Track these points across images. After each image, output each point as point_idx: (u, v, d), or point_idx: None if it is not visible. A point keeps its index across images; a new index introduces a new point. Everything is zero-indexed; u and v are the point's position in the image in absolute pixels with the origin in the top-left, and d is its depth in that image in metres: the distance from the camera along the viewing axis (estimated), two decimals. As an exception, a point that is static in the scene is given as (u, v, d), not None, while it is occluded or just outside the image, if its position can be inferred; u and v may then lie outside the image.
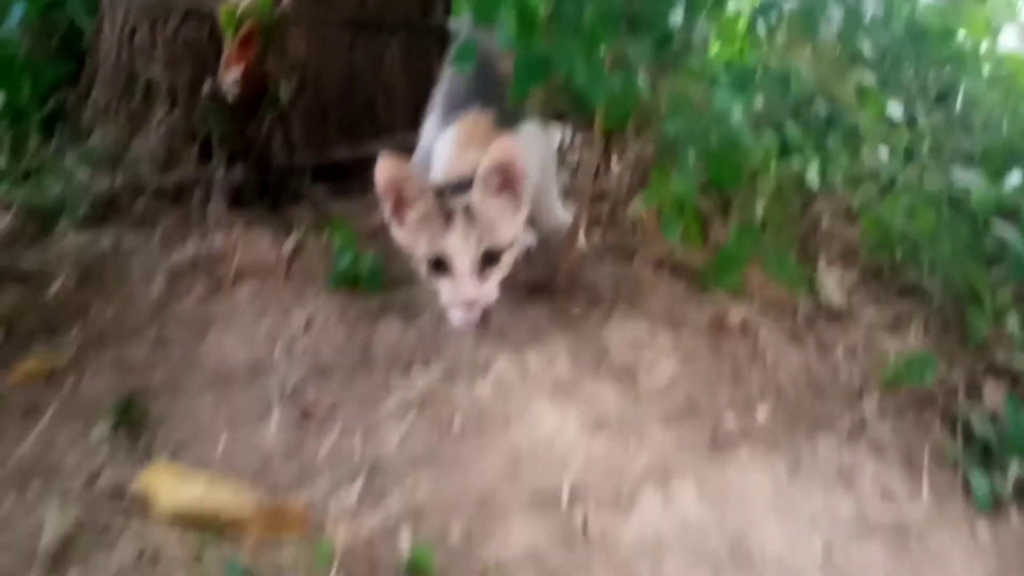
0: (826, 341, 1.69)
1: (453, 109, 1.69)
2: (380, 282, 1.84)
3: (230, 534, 1.22)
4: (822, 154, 1.83)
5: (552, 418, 1.45)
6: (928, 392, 1.54)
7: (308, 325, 1.76)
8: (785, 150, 1.81)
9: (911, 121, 2.05)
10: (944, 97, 2.18)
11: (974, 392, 1.55)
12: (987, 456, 1.41)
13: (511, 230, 1.47)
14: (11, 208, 1.89)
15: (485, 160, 1.44)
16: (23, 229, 1.88)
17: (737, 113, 1.52)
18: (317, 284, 1.88)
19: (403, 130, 2.27)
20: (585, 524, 1.24)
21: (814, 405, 1.52)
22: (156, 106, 2.19)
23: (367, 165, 2.19)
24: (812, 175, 1.80)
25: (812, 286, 1.82)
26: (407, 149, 2.27)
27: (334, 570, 1.16)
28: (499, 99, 1.59)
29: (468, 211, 1.44)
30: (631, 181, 2.10)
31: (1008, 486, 1.36)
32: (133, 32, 2.19)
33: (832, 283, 1.80)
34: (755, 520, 1.27)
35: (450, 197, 1.46)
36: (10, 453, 1.38)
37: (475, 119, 1.62)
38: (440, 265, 1.45)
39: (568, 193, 1.97)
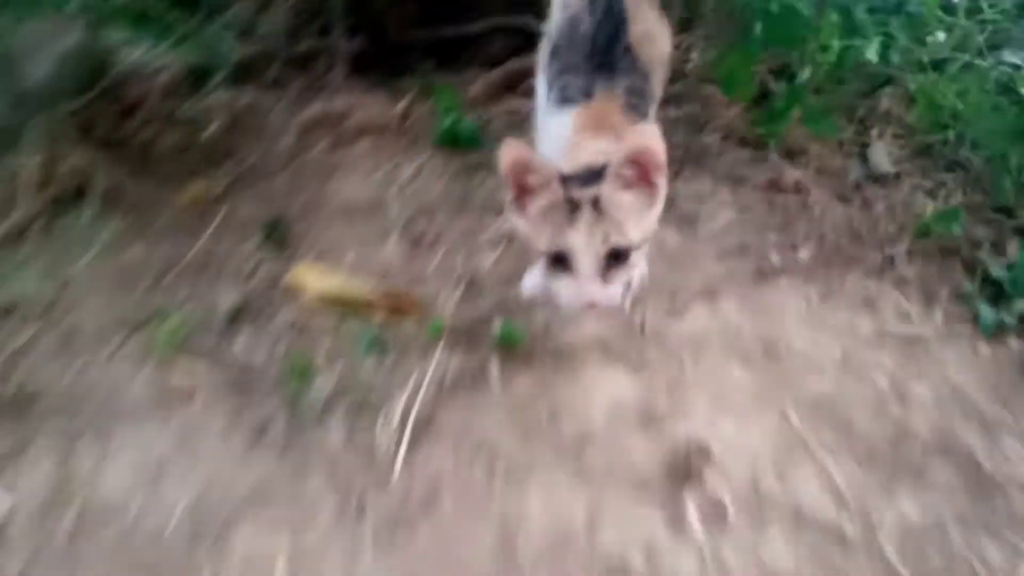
0: (870, 200, 1.90)
1: (570, 80, 1.49)
2: (477, 141, 2.12)
3: (362, 313, 1.54)
4: (884, 37, 2.02)
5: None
6: (955, 243, 1.75)
7: (416, 174, 2.06)
8: (850, 31, 2.00)
9: (976, 9, 2.19)
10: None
11: (998, 248, 1.75)
12: (998, 295, 1.63)
13: (643, 227, 1.31)
14: (170, 68, 2.22)
15: (621, 150, 1.28)
16: (180, 85, 2.21)
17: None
18: (424, 141, 2.17)
19: (499, 13, 2.53)
20: (643, 323, 1.52)
21: (851, 248, 1.75)
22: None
23: (468, 43, 2.48)
24: (871, 54, 1.99)
25: (864, 155, 2.03)
26: (503, 30, 2.54)
27: (442, 341, 1.47)
28: (627, 69, 1.47)
29: (596, 204, 1.28)
30: (706, 60, 2.31)
31: (1012, 319, 1.58)
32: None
33: (881, 152, 2.00)
34: (786, 328, 1.53)
35: (577, 188, 1.29)
36: (185, 254, 1.72)
37: (602, 104, 1.43)
38: (561, 261, 1.29)
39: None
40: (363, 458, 1.22)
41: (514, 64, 2.56)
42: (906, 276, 1.68)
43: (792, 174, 1.98)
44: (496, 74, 2.51)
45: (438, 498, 1.18)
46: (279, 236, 1.80)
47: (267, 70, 2.35)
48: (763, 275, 1.68)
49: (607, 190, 1.27)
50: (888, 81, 2.22)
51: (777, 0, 1.67)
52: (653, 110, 1.55)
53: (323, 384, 1.35)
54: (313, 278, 1.62)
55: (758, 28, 1.77)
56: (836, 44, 1.99)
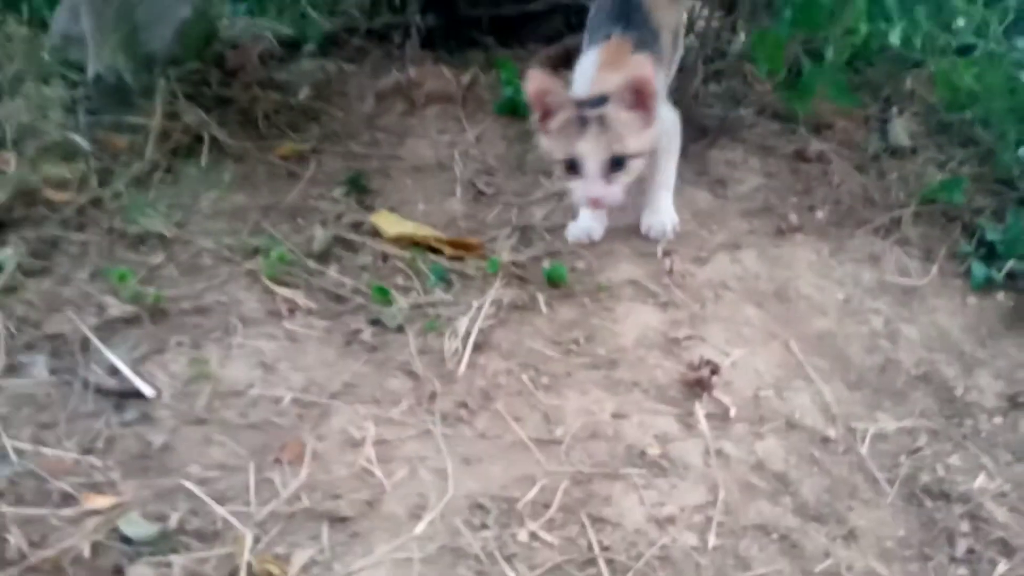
0: (885, 171, 2.11)
1: (597, 30, 1.87)
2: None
3: (433, 251, 1.82)
4: (908, 21, 2.21)
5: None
6: (957, 210, 1.95)
7: (479, 139, 2.32)
8: (876, 15, 2.20)
9: (999, -2, 2.37)
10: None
11: (997, 215, 1.95)
12: (991, 255, 1.83)
13: (639, 142, 1.65)
14: (266, 38, 2.51)
15: (622, 78, 1.63)
16: (272, 53, 2.50)
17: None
18: (486, 110, 2.43)
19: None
20: (671, 268, 1.76)
21: (862, 211, 1.97)
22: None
23: (529, 20, 2.72)
24: (895, 38, 2.20)
25: (884, 130, 2.24)
26: (560, 9, 2.78)
27: (499, 277, 1.73)
28: (639, 25, 1.80)
29: (602, 120, 1.62)
30: (746, 41, 2.52)
31: (1000, 276, 1.79)
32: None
33: (899, 128, 2.21)
34: (797, 276, 1.77)
35: (588, 108, 1.64)
36: (282, 200, 2.01)
37: (617, 43, 1.78)
38: (573, 167, 1.65)
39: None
40: (434, 361, 1.50)
41: (570, 40, 2.81)
42: (909, 236, 1.90)
43: (817, 146, 2.20)
44: (553, 49, 2.76)
45: (493, 395, 1.45)
46: (360, 188, 2.08)
47: (349, 42, 2.63)
48: (781, 232, 1.92)
49: (611, 109, 1.62)
50: (916, 64, 2.42)
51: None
52: (663, 69, 1.87)
53: (401, 305, 1.63)
54: (391, 222, 1.90)
55: (787, 13, 1.99)
56: (863, 28, 2.20)
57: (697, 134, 2.24)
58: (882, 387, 1.55)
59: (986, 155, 2.11)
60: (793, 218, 1.96)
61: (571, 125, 1.64)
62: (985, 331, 1.69)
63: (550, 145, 1.70)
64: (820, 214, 1.98)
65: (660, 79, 1.77)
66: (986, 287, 1.78)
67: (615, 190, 1.66)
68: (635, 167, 1.68)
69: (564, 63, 2.76)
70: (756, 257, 1.82)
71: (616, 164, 1.64)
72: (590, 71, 1.77)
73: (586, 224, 1.85)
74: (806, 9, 1.92)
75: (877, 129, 2.27)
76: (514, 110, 2.39)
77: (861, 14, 2.17)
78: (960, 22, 2.24)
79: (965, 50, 2.27)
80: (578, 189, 1.68)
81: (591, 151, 1.63)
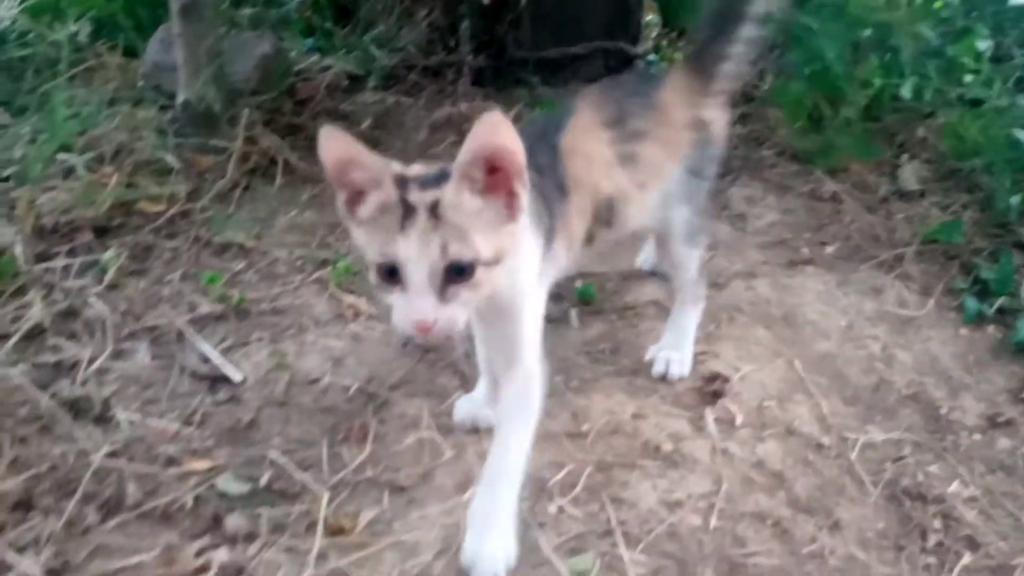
0: (893, 212, 2.31)
1: None
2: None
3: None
4: (919, 77, 2.42)
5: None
6: (957, 250, 2.14)
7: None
8: (889, 70, 2.42)
9: (1007, 56, 2.57)
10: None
11: (994, 256, 2.13)
12: (984, 292, 2.02)
13: (496, 241, 1.14)
14: (330, 70, 2.78)
15: (467, 142, 1.10)
16: (338, 86, 2.77)
17: (831, 50, 2.17)
18: (529, 143, 2.67)
19: (598, 38, 3.02)
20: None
21: (869, 248, 2.17)
22: (422, 4, 3.02)
23: (571, 61, 2.97)
24: (906, 91, 2.41)
25: (894, 174, 2.44)
26: (601, 52, 3.03)
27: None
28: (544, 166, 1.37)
29: (435, 209, 1.10)
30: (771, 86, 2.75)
31: (992, 311, 1.98)
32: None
33: (909, 172, 2.41)
34: (804, 303, 1.97)
35: (416, 190, 1.12)
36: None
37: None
38: (393, 274, 1.12)
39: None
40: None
41: (608, 82, 3.05)
42: (910, 272, 2.09)
43: (831, 187, 2.41)
44: (592, 89, 2.99)
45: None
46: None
47: (407, 77, 2.90)
48: (793, 264, 2.12)
49: (449, 194, 1.11)
50: (928, 114, 2.62)
51: (818, 60, 2.11)
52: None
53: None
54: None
55: (806, 71, 2.21)
56: (877, 82, 2.42)
57: (722, 172, 2.47)
58: (875, 404, 1.74)
59: (987, 201, 2.30)
60: (805, 251, 2.17)
61: (389, 212, 1.11)
62: (973, 359, 1.87)
63: (361, 239, 1.17)
64: (830, 249, 2.18)
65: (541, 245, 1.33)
66: (978, 320, 1.96)
67: (454, 313, 1.12)
68: (487, 281, 1.15)
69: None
70: (768, 285, 2.03)
71: (458, 274, 1.11)
72: None
73: (470, 408, 1.55)
74: (822, 73, 2.14)
75: (888, 173, 2.47)
76: (554, 144, 2.62)
77: (875, 70, 2.39)
78: (968, 78, 2.44)
79: (975, 103, 2.47)
80: (398, 307, 1.13)
81: (416, 254, 1.10)
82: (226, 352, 1.71)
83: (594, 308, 1.93)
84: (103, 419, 1.54)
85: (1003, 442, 1.68)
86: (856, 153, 2.30)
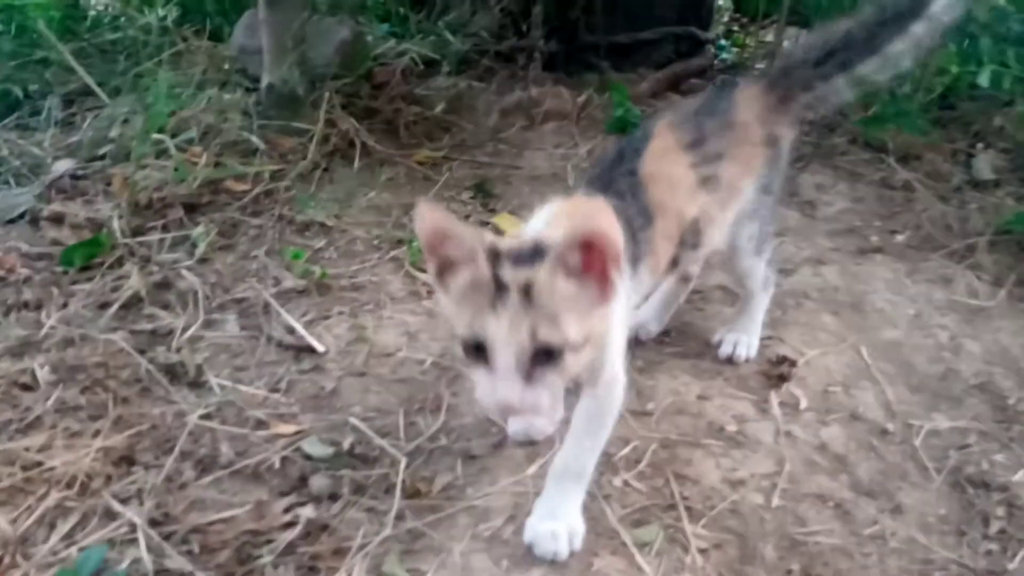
0: (966, 201, 2.29)
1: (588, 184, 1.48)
2: (643, 129, 2.64)
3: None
4: (998, 65, 2.38)
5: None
6: (1032, 240, 2.13)
7: (590, 153, 2.61)
8: (968, 57, 2.39)
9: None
10: None
11: (1071, 249, 2.11)
12: (1059, 283, 2.01)
13: (586, 326, 1.13)
14: (406, 55, 2.85)
15: (568, 227, 1.11)
16: (413, 70, 2.84)
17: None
18: (597, 127, 2.72)
19: (668, 23, 3.04)
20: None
21: (941, 237, 2.16)
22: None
23: (641, 46, 2.99)
24: (983, 80, 2.37)
25: (969, 163, 2.42)
26: (670, 37, 3.04)
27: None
28: (626, 194, 1.40)
29: (527, 290, 1.09)
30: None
31: (1067, 304, 1.96)
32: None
33: (984, 162, 2.38)
34: (873, 291, 1.98)
35: (509, 267, 1.10)
36: (418, 198, 2.32)
37: (586, 200, 1.27)
38: (480, 351, 1.11)
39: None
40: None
41: (678, 66, 3.09)
42: (982, 262, 2.08)
43: (903, 175, 2.40)
44: (662, 74, 3.03)
45: (597, 372, 1.72)
46: (485, 193, 2.39)
47: (479, 62, 2.96)
48: (863, 252, 2.13)
49: (543, 275, 1.09)
50: (1007, 103, 2.58)
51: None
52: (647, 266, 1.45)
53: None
54: (510, 224, 2.20)
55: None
56: (953, 69, 2.39)
57: (792, 159, 2.47)
58: (941, 392, 1.75)
59: (1065, 190, 2.27)
60: (875, 239, 2.17)
61: (481, 290, 1.10)
62: (1044, 351, 1.86)
63: (451, 311, 1.16)
64: (900, 237, 2.18)
65: (631, 280, 1.36)
66: (1051, 313, 1.95)
67: (539, 396, 1.11)
68: (574, 364, 1.14)
69: (673, 87, 3.03)
70: (837, 272, 2.04)
71: (545, 357, 1.10)
72: (539, 223, 1.28)
73: (640, 317, 1.65)
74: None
75: (963, 162, 2.45)
76: (623, 128, 2.66)
77: (953, 57, 2.36)
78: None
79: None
80: (483, 384, 1.13)
81: (506, 336, 1.09)
82: (309, 324, 1.80)
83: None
84: (197, 384, 1.65)
85: (1072, 434, 1.68)
86: (909, 128, 2.29)
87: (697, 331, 1.85)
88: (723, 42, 3.30)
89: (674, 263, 1.53)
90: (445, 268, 1.14)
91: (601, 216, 1.09)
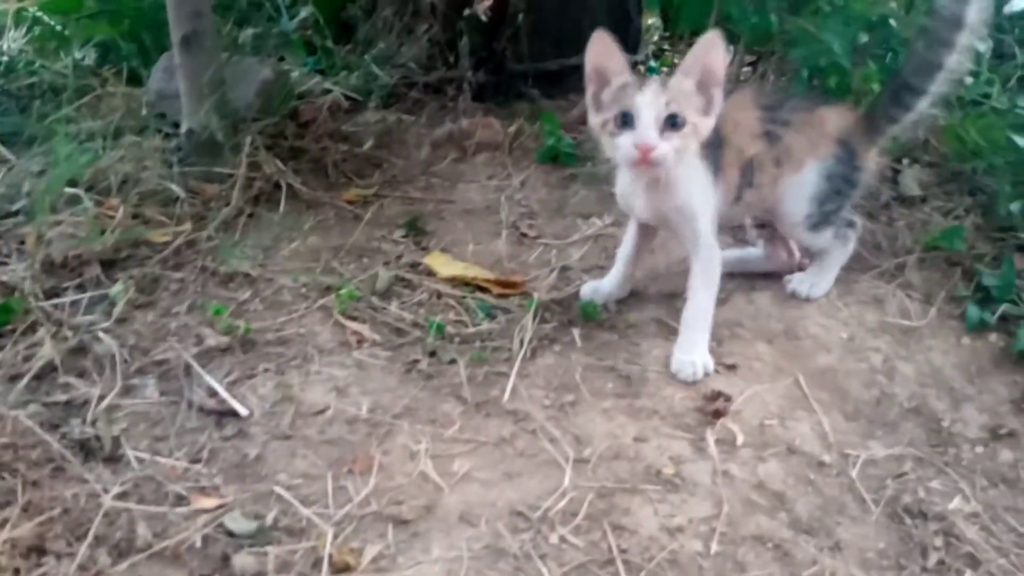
0: (894, 219, 2.31)
1: None
2: (574, 159, 2.62)
3: (481, 290, 2.07)
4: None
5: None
6: (959, 257, 2.13)
7: (523, 184, 2.58)
8: (889, 72, 2.41)
9: (1008, 56, 2.55)
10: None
11: (996, 262, 2.13)
12: (987, 299, 2.01)
13: (697, 120, 1.61)
14: (332, 91, 2.80)
15: (692, 50, 1.63)
16: (340, 106, 2.79)
17: (838, 47, 2.16)
18: (529, 158, 2.69)
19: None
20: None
21: (870, 257, 2.17)
22: (422, 21, 3.03)
23: (569, 74, 2.97)
24: (905, 95, 2.40)
25: (896, 179, 2.44)
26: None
27: (539, 313, 1.97)
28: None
29: (663, 82, 1.62)
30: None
31: (994, 319, 1.97)
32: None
33: (910, 177, 2.40)
34: (805, 316, 1.97)
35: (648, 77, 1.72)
36: (349, 241, 2.28)
37: None
38: (626, 120, 1.58)
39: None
40: (482, 389, 1.75)
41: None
42: (912, 281, 2.09)
43: (831, 193, 2.40)
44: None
45: (533, 418, 1.68)
46: (417, 231, 2.35)
47: (408, 95, 2.92)
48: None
49: (675, 78, 1.62)
50: (933, 115, 2.61)
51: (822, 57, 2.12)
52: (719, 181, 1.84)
53: (453, 339, 1.89)
54: (444, 263, 2.16)
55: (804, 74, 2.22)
56: (875, 86, 2.41)
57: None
58: (876, 418, 1.75)
59: (989, 205, 2.29)
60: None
61: (629, 86, 1.60)
62: (975, 369, 1.87)
63: (602, 120, 1.63)
64: (831, 259, 2.18)
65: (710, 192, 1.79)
66: (980, 329, 1.96)
67: (666, 147, 1.58)
68: (689, 136, 1.61)
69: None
70: (770, 298, 2.03)
71: (672, 122, 1.58)
72: None
73: (597, 286, 1.99)
74: (824, 72, 2.15)
75: (890, 178, 2.47)
76: (555, 158, 2.65)
77: (874, 74, 2.39)
78: (968, 80, 2.43)
79: (976, 104, 2.46)
80: (627, 141, 1.59)
81: (648, 102, 1.56)
82: (232, 385, 1.74)
83: (596, 325, 1.95)
84: (113, 458, 1.57)
85: (1005, 454, 1.69)
86: None
87: (632, 368, 1.83)
88: (652, 63, 3.30)
89: (738, 197, 1.87)
90: (602, 86, 1.65)
91: (715, 48, 1.62)
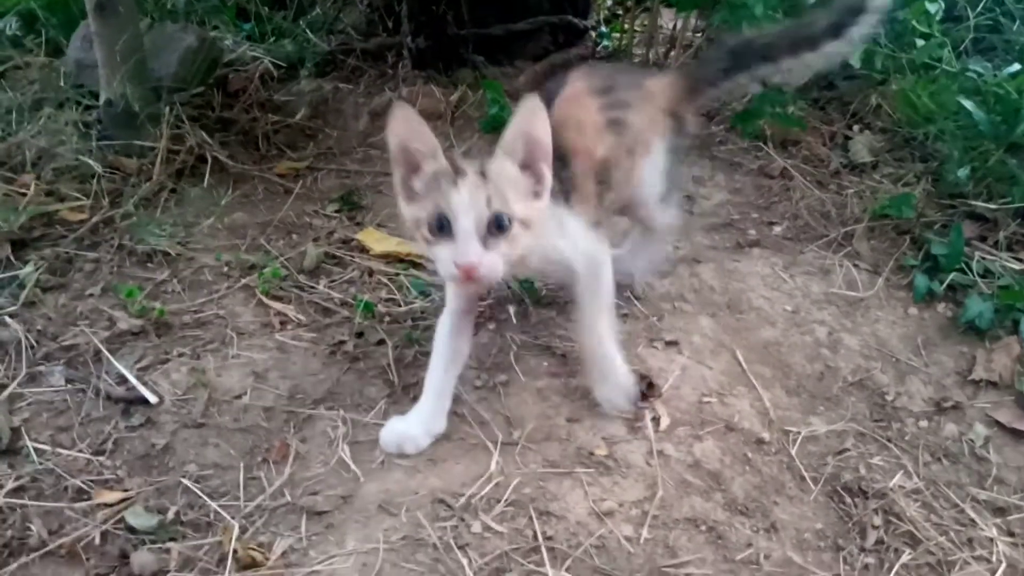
0: (844, 186, 2.25)
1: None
2: (518, 127, 2.52)
3: (415, 267, 1.97)
4: (870, 43, 2.34)
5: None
6: (908, 225, 2.08)
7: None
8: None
9: (960, 18, 2.49)
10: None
11: (946, 230, 2.08)
12: (935, 269, 1.96)
13: (527, 209, 1.35)
14: (264, 59, 2.67)
15: (511, 123, 1.35)
16: (272, 75, 2.67)
17: (758, 8, 2.10)
18: (473, 127, 2.59)
19: (546, 12, 2.92)
20: (632, 283, 1.91)
21: (818, 226, 2.11)
22: (360, -14, 2.91)
23: (515, 40, 2.87)
24: (855, 60, 2.33)
25: (846, 146, 2.37)
26: (547, 27, 2.92)
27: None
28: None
29: (481, 172, 1.33)
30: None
31: (942, 288, 1.92)
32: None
33: (860, 144, 2.34)
34: (750, 289, 1.91)
35: (463, 159, 1.38)
36: (276, 215, 2.17)
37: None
38: (443, 227, 1.31)
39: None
40: (411, 370, 1.67)
41: (557, 57, 2.97)
42: (860, 251, 2.03)
43: (781, 162, 2.34)
44: (540, 66, 2.92)
45: (462, 397, 1.60)
46: (351, 205, 2.25)
47: (346, 63, 2.80)
48: (740, 247, 2.06)
49: (495, 162, 1.34)
50: (882, 82, 2.55)
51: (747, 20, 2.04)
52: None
53: (383, 317, 1.80)
54: (377, 239, 2.06)
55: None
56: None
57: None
58: (819, 393, 1.70)
59: (939, 171, 2.24)
60: (752, 233, 2.11)
61: (442, 178, 1.32)
62: (921, 340, 1.82)
63: (414, 212, 1.36)
64: (778, 229, 2.12)
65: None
66: (928, 299, 1.91)
67: (493, 259, 1.31)
68: (519, 236, 1.34)
69: (551, 80, 2.92)
70: (713, 271, 1.96)
71: (498, 227, 1.31)
72: None
73: (404, 430, 1.49)
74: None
75: (840, 145, 2.41)
76: (499, 127, 2.52)
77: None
78: (919, 43, 2.36)
79: (927, 69, 2.39)
80: (445, 256, 1.32)
81: (466, 205, 1.29)
82: (143, 372, 1.64)
83: (534, 302, 1.87)
84: (12, 451, 1.48)
85: (949, 428, 1.64)
86: (782, 122, 2.25)
87: (569, 346, 1.75)
88: (603, 29, 3.20)
89: (600, 201, 1.62)
90: (411, 171, 1.36)
91: (537, 112, 1.33)
